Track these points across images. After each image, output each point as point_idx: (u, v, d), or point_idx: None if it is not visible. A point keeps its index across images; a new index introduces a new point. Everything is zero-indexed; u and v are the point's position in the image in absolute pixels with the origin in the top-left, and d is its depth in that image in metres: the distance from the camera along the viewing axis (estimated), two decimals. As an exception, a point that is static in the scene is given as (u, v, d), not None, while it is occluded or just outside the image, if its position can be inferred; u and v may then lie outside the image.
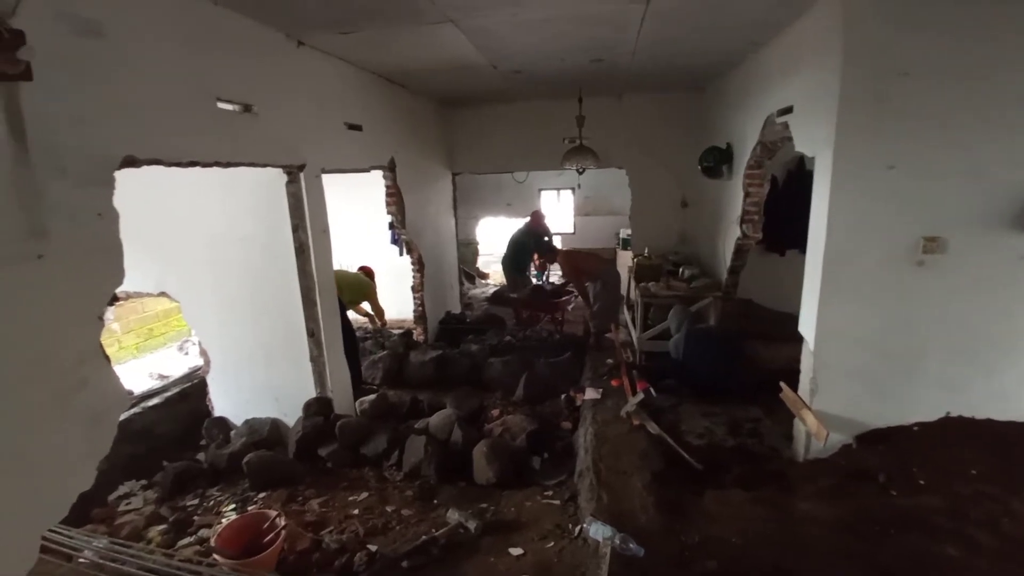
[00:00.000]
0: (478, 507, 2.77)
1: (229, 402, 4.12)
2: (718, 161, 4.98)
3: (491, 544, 2.44)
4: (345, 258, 6.27)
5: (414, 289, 5.62)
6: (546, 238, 7.69)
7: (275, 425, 3.75)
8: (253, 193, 3.54)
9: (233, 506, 3.10)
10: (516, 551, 2.34)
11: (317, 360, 3.67)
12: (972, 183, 2.69)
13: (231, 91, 2.86)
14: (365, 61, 4.23)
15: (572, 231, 11.13)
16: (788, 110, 3.48)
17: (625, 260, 6.93)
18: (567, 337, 5.62)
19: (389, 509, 2.81)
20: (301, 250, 3.50)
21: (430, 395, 4.29)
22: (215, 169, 2.75)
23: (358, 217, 6.86)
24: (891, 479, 2.66)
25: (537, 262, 6.68)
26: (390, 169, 4.93)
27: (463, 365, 4.73)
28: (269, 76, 3.19)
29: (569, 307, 6.28)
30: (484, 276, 10.20)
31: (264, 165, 3.16)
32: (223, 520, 2.86)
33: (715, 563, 2.14)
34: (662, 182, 6.33)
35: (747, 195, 4.44)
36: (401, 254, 6.61)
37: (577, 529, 2.39)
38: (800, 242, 3.21)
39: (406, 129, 5.37)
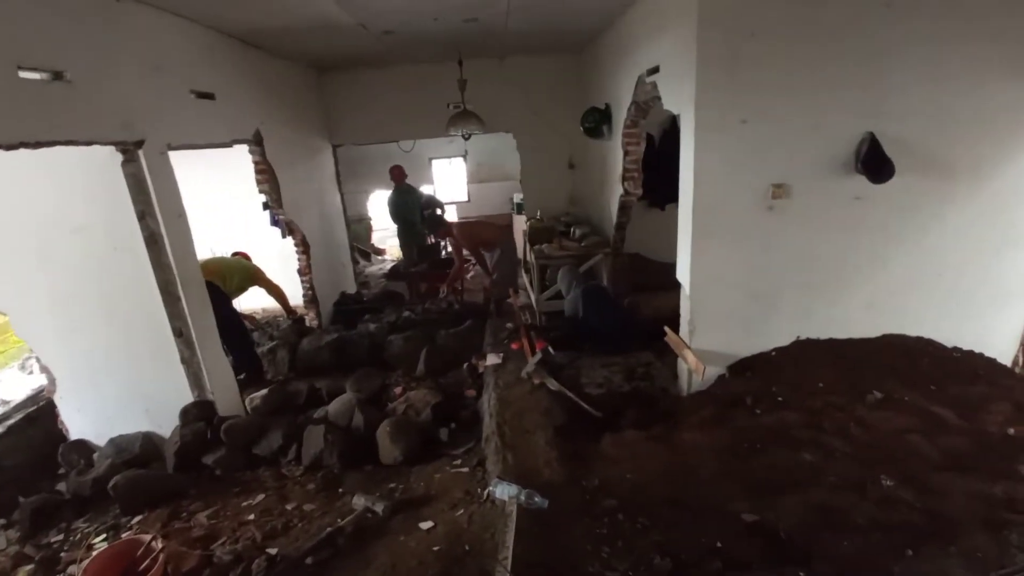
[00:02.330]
0: (386, 488, 2.71)
1: (89, 421, 3.60)
2: (598, 122, 5.12)
3: (401, 523, 2.40)
4: (221, 245, 5.69)
5: (301, 272, 5.24)
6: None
7: (148, 439, 3.36)
8: (85, 175, 3.03)
9: (103, 536, 2.75)
10: (426, 524, 2.32)
11: (190, 361, 3.30)
12: (812, 133, 3.01)
13: (36, 56, 2.37)
14: (210, 18, 3.72)
15: (467, 199, 11.01)
16: (656, 70, 3.63)
17: (520, 225, 7.00)
18: (467, 306, 5.60)
19: (289, 507, 2.65)
20: (153, 240, 3.07)
21: (329, 382, 4.06)
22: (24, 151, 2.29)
23: (231, 198, 6.21)
24: (757, 401, 3.00)
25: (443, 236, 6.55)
26: (256, 143, 4.46)
27: (362, 346, 4.54)
28: (86, 37, 2.69)
29: (468, 275, 6.25)
30: (380, 252, 9.82)
31: (89, 143, 2.68)
32: (93, 553, 2.52)
33: (614, 501, 2.29)
34: (549, 145, 6.41)
35: (626, 153, 4.63)
36: (284, 236, 6.12)
37: (485, 493, 2.42)
38: (677, 197, 3.42)
39: (272, 98, 4.87)
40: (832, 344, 3.36)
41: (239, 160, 4.83)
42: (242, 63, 4.33)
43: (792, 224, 3.14)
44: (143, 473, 2.98)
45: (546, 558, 1.99)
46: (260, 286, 4.77)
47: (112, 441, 3.35)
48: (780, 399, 3.02)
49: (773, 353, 3.33)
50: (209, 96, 3.75)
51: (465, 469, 2.81)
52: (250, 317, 5.49)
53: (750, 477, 2.45)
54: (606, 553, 2.02)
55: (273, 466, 3.15)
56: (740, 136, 2.97)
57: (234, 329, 4.45)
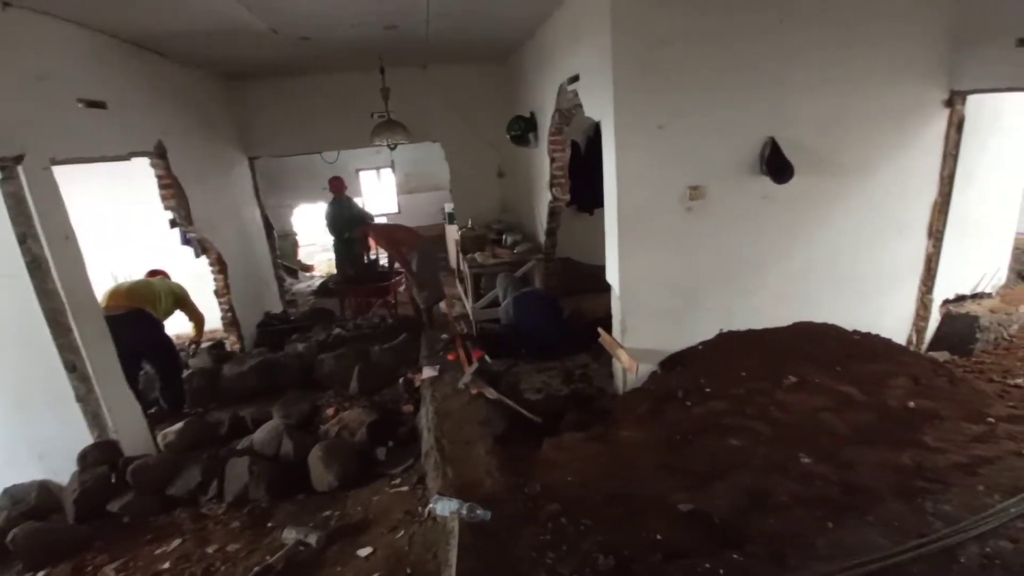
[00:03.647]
0: (320, 517, 2.55)
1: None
2: (524, 129, 5.19)
3: (337, 553, 2.26)
4: (124, 267, 5.18)
5: (218, 294, 4.88)
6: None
7: (44, 488, 2.98)
8: (-52, 198, 2.65)
9: (5, 595, 2.41)
10: (364, 551, 2.20)
11: (87, 398, 2.96)
12: (722, 137, 3.19)
13: None
14: (100, 23, 3.40)
15: (397, 210, 10.80)
16: (576, 78, 3.73)
17: (452, 234, 6.95)
18: (401, 320, 5.46)
19: (211, 550, 2.42)
20: (36, 265, 2.74)
21: (255, 409, 3.79)
22: None
23: (136, 217, 5.69)
24: (687, 393, 3.12)
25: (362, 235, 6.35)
26: (159, 155, 4.12)
27: (291, 368, 4.28)
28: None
29: (400, 288, 6.10)
30: (308, 268, 9.39)
31: (-44, 159, 2.36)
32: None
33: (557, 505, 2.28)
34: (478, 153, 6.41)
35: (553, 160, 4.71)
36: (197, 255, 5.69)
37: (426, 511, 2.34)
38: (602, 201, 3.51)
39: (176, 107, 4.53)
40: (751, 334, 3.56)
41: (143, 174, 4.44)
42: (137, 70, 3.99)
43: (709, 223, 3.31)
44: (43, 525, 2.64)
45: (491, 572, 1.94)
46: (184, 310, 4.39)
47: (7, 491, 2.95)
48: (708, 390, 3.15)
49: (700, 347, 3.49)
50: (100, 105, 3.42)
51: (405, 488, 2.70)
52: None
53: (685, 467, 2.53)
54: (551, 559, 2.00)
55: (191, 506, 2.87)
56: (658, 141, 3.10)
57: (169, 357, 4.08)
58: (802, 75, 3.18)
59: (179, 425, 3.52)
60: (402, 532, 2.27)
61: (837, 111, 3.28)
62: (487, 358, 3.60)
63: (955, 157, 3.51)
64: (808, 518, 2.15)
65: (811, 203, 3.41)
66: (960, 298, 4.10)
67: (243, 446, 3.12)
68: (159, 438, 3.46)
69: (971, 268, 4.08)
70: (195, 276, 4.96)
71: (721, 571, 1.89)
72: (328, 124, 6.04)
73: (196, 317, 4.41)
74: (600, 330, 3.62)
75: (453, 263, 6.32)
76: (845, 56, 3.19)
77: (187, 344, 4.75)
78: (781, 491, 2.30)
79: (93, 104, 3.37)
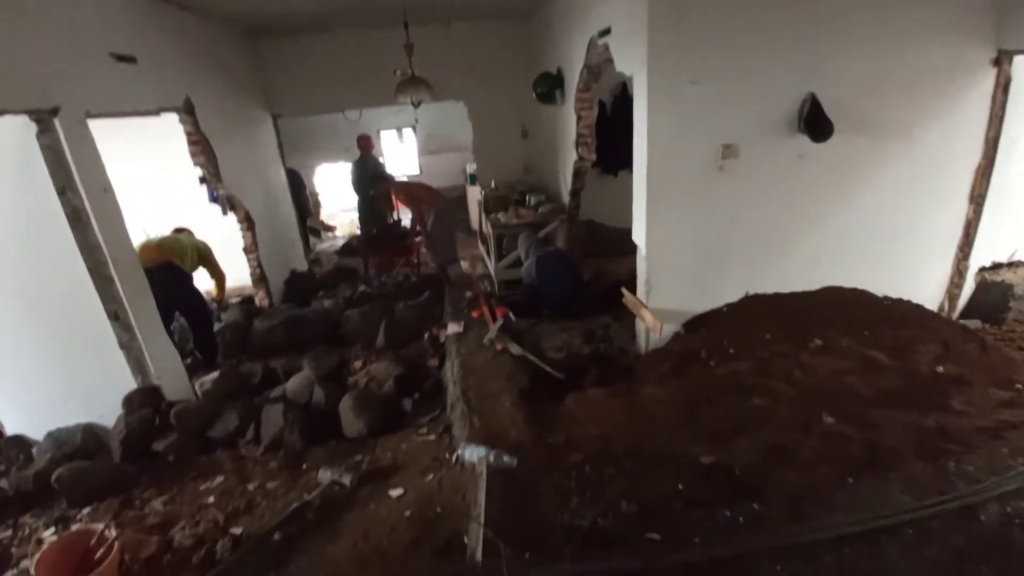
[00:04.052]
0: (352, 461, 2.67)
1: (23, 416, 3.33)
2: (550, 87, 5.07)
3: (370, 493, 2.38)
4: (153, 225, 5.31)
5: (247, 250, 4.99)
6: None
7: (89, 431, 3.15)
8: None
9: (52, 529, 2.60)
10: (396, 492, 2.32)
11: (130, 346, 3.10)
12: (758, 94, 3.08)
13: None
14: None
15: (419, 171, 10.75)
16: (607, 31, 3.60)
17: (474, 195, 6.92)
18: (424, 278, 5.52)
19: (251, 487, 2.57)
20: (76, 217, 2.82)
21: (284, 361, 3.93)
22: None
23: (163, 175, 5.80)
24: (711, 354, 3.14)
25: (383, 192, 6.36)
26: (188, 112, 4.15)
27: (317, 324, 4.40)
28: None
29: (423, 248, 6.15)
30: (330, 229, 9.48)
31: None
32: (43, 547, 2.39)
33: (580, 455, 2.35)
34: (502, 112, 6.30)
35: (579, 119, 4.62)
36: (225, 213, 5.79)
37: (454, 457, 2.44)
38: (629, 163, 3.45)
39: (204, 64, 4.52)
40: (777, 298, 3.53)
41: (169, 132, 4.49)
42: (166, 25, 3.98)
43: (740, 184, 3.23)
44: (88, 465, 2.81)
45: (517, 513, 2.03)
46: (207, 267, 4.52)
47: (51, 435, 3.13)
48: (732, 351, 3.16)
49: (724, 309, 3.48)
50: (130, 59, 3.44)
51: (431, 437, 2.81)
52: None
53: (707, 424, 2.57)
54: (575, 504, 2.08)
55: (230, 448, 3.04)
56: (691, 97, 3.01)
57: (200, 309, 4.23)
58: (844, 30, 3.02)
59: (215, 374, 3.68)
60: (431, 476, 2.37)
61: (880, 69, 3.13)
62: (511, 315, 3.65)
63: (1001, 119, 3.36)
64: (828, 474, 2.18)
65: (849, 164, 3.30)
66: (996, 266, 3.98)
67: (276, 395, 3.26)
68: (196, 387, 3.63)
69: (1009, 236, 3.94)
70: (219, 236, 5.06)
71: (740, 519, 1.95)
72: (351, 82, 5.98)
73: (218, 275, 4.53)
74: (624, 290, 3.63)
75: (475, 224, 6.31)
76: (889, 12, 3.02)
77: (210, 302, 4.91)
78: (803, 448, 2.33)
79: (123, 59, 3.39)
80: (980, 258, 3.81)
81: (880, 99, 3.19)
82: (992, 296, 3.87)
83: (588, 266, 5.09)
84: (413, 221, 5.71)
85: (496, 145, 6.42)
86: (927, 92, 3.24)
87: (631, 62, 3.21)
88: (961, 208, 3.60)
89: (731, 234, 3.35)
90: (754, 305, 3.50)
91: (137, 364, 3.17)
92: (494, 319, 3.57)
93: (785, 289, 3.53)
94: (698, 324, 3.44)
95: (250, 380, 3.71)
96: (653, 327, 3.26)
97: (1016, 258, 4.00)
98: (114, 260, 2.97)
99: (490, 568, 1.70)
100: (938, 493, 2.03)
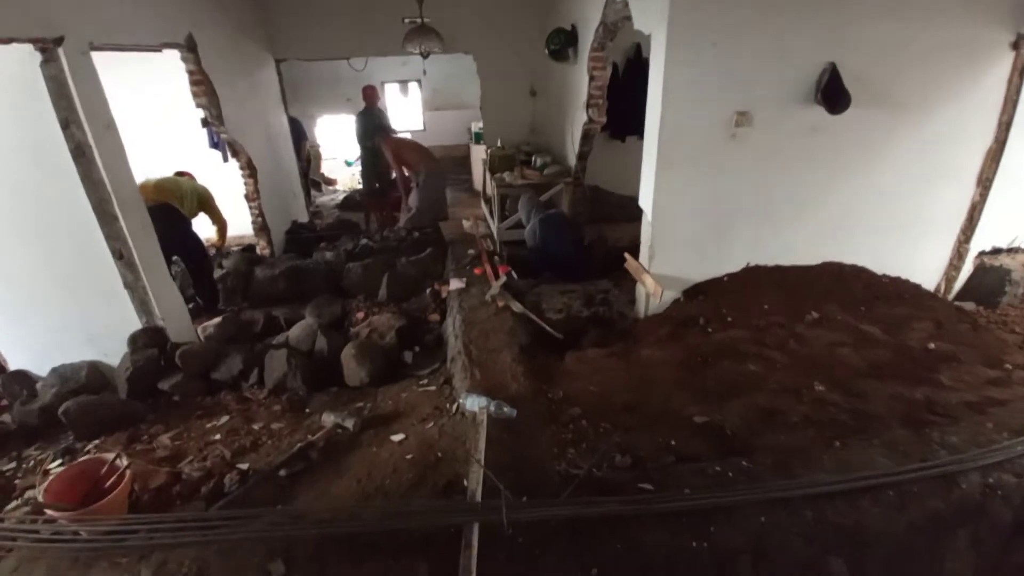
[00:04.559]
0: (354, 407, 2.74)
1: (25, 352, 3.38)
2: (564, 44, 4.94)
3: (372, 437, 2.45)
4: (152, 168, 5.23)
5: (248, 198, 4.94)
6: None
7: (94, 368, 3.20)
8: (-5, 82, 2.66)
9: (59, 461, 2.67)
10: (398, 437, 2.39)
11: (135, 286, 3.11)
12: (778, 60, 3.02)
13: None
14: None
15: (423, 127, 10.55)
16: (626, -15, 3.49)
17: (479, 155, 6.82)
18: (426, 234, 5.50)
19: (256, 427, 2.65)
20: (80, 152, 2.78)
21: (286, 310, 3.97)
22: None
23: (163, 116, 5.67)
24: (709, 321, 3.19)
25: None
26: (190, 49, 4.02)
27: (319, 274, 4.41)
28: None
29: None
30: (331, 182, 9.37)
31: (3, 40, 2.34)
32: (50, 477, 2.45)
33: (578, 409, 2.43)
34: (511, 69, 6.14)
35: (592, 79, 4.52)
36: (226, 159, 5.71)
37: (455, 406, 2.50)
38: (638, 129, 3.41)
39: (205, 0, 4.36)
40: (778, 270, 3.56)
41: (170, 71, 4.37)
42: (166, -46, 3.82)
43: (752, 153, 3.21)
44: (96, 398, 2.87)
45: (516, 460, 2.11)
46: (207, 213, 4.50)
47: (55, 370, 3.18)
48: (729, 319, 3.22)
49: (725, 279, 3.51)
50: (133, -10, 3.32)
51: (432, 388, 2.87)
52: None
53: (701, 386, 2.65)
54: (571, 454, 2.17)
55: (235, 390, 3.10)
56: (709, 59, 2.95)
57: (199, 253, 4.24)
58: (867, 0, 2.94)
59: (217, 320, 3.72)
60: (432, 423, 2.45)
61: (899, 42, 3.06)
62: (513, 274, 3.68)
63: (1015, 103, 3.32)
64: (816, 437, 2.27)
65: (861, 139, 3.27)
66: (996, 251, 4.01)
67: (279, 341, 3.31)
68: (199, 331, 3.67)
69: (1012, 221, 3.95)
70: (221, 183, 4.98)
71: (729, 474, 2.03)
72: (358, 28, 5.77)
73: (219, 221, 4.51)
74: (626, 255, 3.64)
75: (478, 184, 6.24)
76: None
77: (210, 248, 4.90)
78: (793, 413, 2.42)
79: (126, -12, 3.27)
80: (981, 242, 3.83)
81: (895, 71, 3.13)
82: (989, 280, 3.92)
83: (590, 231, 5.09)
84: (395, 179, 5.62)
85: (504, 103, 6.28)
86: (945, 69, 3.18)
87: (650, 19, 3.12)
88: (968, 190, 3.59)
89: (737, 204, 3.35)
90: (754, 276, 3.54)
91: (141, 304, 3.19)
92: (496, 277, 3.60)
93: (786, 262, 3.55)
94: (698, 292, 3.48)
95: (252, 327, 3.76)
96: (654, 292, 3.30)
97: (1016, 244, 4.03)
98: (118, 198, 2.95)
99: (489, 507, 1.78)
100: (920, 460, 2.12)
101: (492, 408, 2.27)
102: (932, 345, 3.01)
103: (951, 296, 3.93)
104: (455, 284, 3.66)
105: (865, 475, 2.00)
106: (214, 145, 5.93)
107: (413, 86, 10.46)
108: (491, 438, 2.19)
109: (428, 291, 3.91)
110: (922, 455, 2.15)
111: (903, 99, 3.22)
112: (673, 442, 2.23)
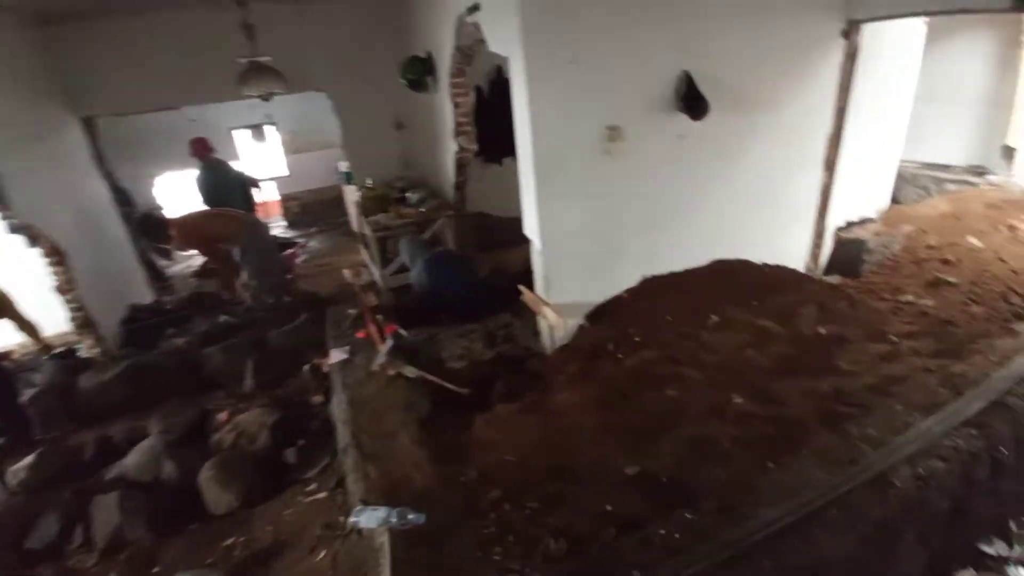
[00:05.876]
0: (221, 547, 2.15)
1: None
2: (421, 73, 4.65)
3: (246, 589, 1.91)
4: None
5: (60, 290, 3.99)
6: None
7: None
8: None
9: None
10: (280, 583, 1.87)
11: None
12: (637, 72, 2.96)
13: None
14: None
15: (287, 173, 9.70)
16: (476, 7, 3.28)
17: (351, 195, 6.29)
18: (300, 296, 4.88)
19: (82, 613, 1.96)
20: None
21: (128, 424, 3.18)
22: None
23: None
24: (617, 345, 3.02)
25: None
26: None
27: (169, 369, 3.63)
28: None
29: (297, 260, 5.44)
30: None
31: None
32: None
33: (498, 491, 2.08)
34: (371, 103, 5.71)
35: (456, 106, 4.28)
36: (31, 244, 4.64)
37: (348, 524, 2.03)
38: (511, 150, 3.20)
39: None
40: (672, 277, 3.51)
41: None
42: None
43: (628, 166, 3.12)
44: None
45: (433, 583, 1.71)
46: (9, 318, 3.58)
47: None
48: (637, 339, 3.08)
49: (625, 295, 3.38)
50: None
51: (323, 494, 2.37)
52: (6, 356, 4.12)
53: (625, 426, 2.43)
54: (499, 554, 1.80)
55: (56, 560, 2.33)
56: (571, 77, 2.81)
57: None
58: (709, 4, 3.00)
59: (30, 459, 2.86)
60: (323, 552, 1.96)
61: (746, 44, 3.15)
62: (402, 332, 3.25)
63: (847, 89, 3.59)
64: (750, 461, 2.13)
65: (725, 141, 3.33)
66: (850, 224, 4.36)
67: (113, 476, 2.57)
68: (9, 476, 2.80)
69: (860, 196, 4.32)
70: (33, 273, 4.00)
71: (676, 535, 1.80)
72: (183, 73, 5.01)
73: (25, 325, 3.64)
74: (521, 288, 3.39)
75: (355, 226, 5.72)
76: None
77: (37, 354, 3.94)
78: (721, 437, 2.27)
79: None
80: (838, 219, 4.12)
81: (746, 73, 3.23)
82: (849, 252, 4.23)
83: (483, 261, 4.81)
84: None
85: (368, 139, 5.84)
86: (787, 66, 3.35)
87: (504, 42, 2.93)
88: (818, 174, 3.84)
89: (623, 218, 3.25)
90: (651, 287, 3.45)
91: None
92: (383, 338, 3.15)
93: (679, 268, 3.52)
94: (601, 314, 3.31)
95: (80, 456, 2.94)
96: (556, 325, 3.07)
97: (864, 216, 4.41)
98: None
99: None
100: (849, 462, 2.05)
101: (394, 519, 1.84)
102: (822, 330, 3.10)
103: (820, 272, 4.19)
104: (336, 356, 3.15)
105: (807, 500, 1.87)
106: (15, 230, 4.81)
107: (271, 129, 9.60)
108: (398, 560, 1.76)
109: (307, 367, 3.35)
110: (850, 455, 2.09)
111: (755, 99, 3.33)
112: (609, 507, 1.96)
